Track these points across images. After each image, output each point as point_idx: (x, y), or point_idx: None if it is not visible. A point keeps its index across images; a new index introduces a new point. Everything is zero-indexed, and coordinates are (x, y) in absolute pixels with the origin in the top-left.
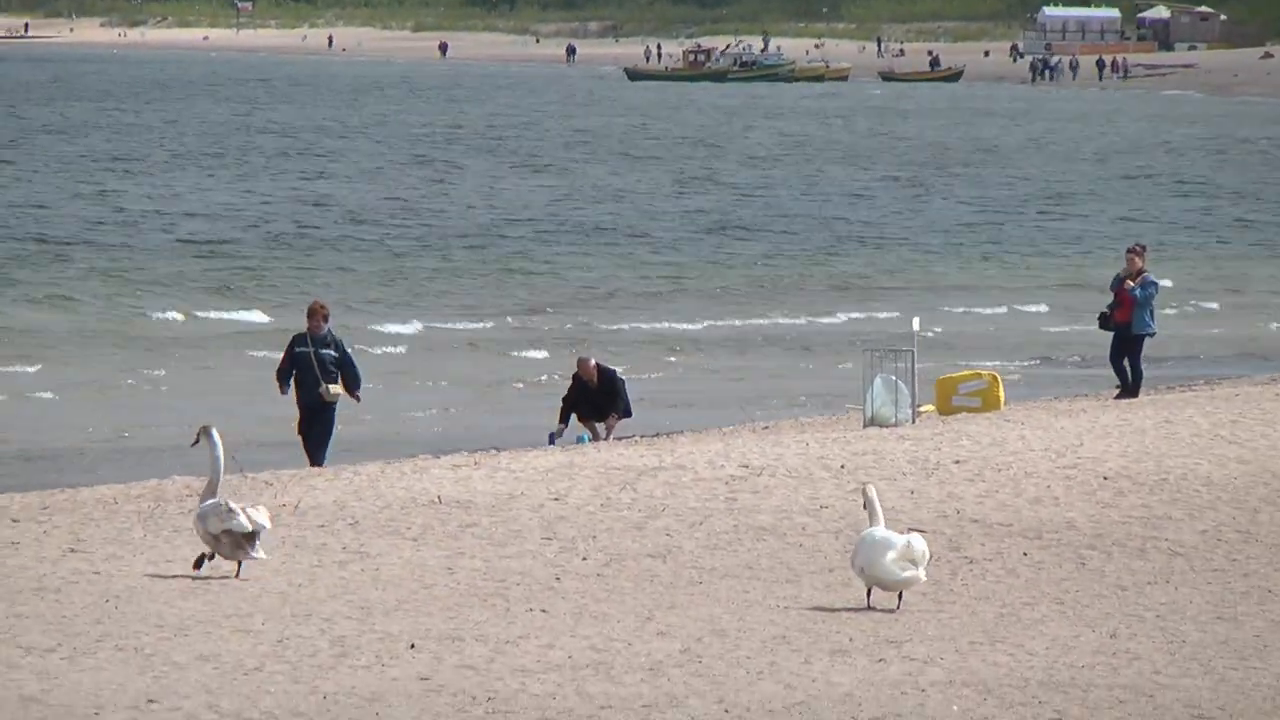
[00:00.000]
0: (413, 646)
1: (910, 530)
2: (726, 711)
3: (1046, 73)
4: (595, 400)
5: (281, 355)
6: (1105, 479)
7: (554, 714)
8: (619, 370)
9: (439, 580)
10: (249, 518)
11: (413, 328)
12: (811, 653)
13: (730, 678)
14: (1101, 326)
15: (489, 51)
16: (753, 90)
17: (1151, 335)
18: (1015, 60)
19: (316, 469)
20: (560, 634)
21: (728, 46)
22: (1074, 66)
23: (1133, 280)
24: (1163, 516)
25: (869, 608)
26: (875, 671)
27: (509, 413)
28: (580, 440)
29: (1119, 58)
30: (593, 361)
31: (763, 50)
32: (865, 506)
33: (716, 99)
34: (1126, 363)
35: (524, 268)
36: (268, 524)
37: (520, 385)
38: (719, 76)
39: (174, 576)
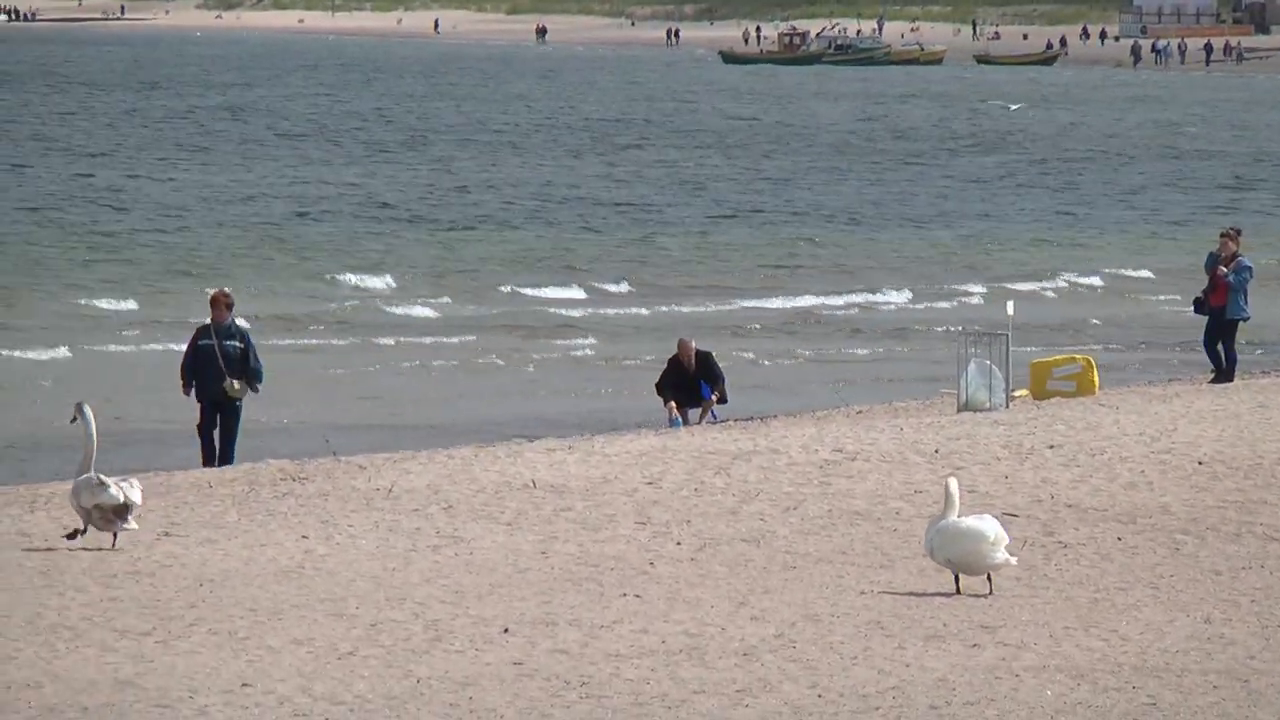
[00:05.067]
0: (506, 631)
1: (983, 513)
2: (820, 696)
3: (1155, 56)
4: (690, 384)
5: (185, 348)
6: (1200, 464)
7: (647, 699)
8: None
9: (533, 565)
10: (120, 491)
11: (504, 309)
12: (905, 638)
13: (823, 663)
14: (1196, 311)
15: (586, 35)
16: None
17: (1246, 320)
18: (1105, 43)
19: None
20: (653, 619)
21: (823, 30)
22: (1182, 50)
23: (1226, 265)
24: (1258, 501)
25: (959, 593)
26: (969, 657)
27: (602, 396)
28: (674, 425)
29: (1228, 41)
30: (693, 343)
31: (868, 33)
32: (946, 499)
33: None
34: (1221, 347)
35: (614, 251)
36: (139, 498)
37: (604, 364)
38: (813, 60)
39: (269, 560)
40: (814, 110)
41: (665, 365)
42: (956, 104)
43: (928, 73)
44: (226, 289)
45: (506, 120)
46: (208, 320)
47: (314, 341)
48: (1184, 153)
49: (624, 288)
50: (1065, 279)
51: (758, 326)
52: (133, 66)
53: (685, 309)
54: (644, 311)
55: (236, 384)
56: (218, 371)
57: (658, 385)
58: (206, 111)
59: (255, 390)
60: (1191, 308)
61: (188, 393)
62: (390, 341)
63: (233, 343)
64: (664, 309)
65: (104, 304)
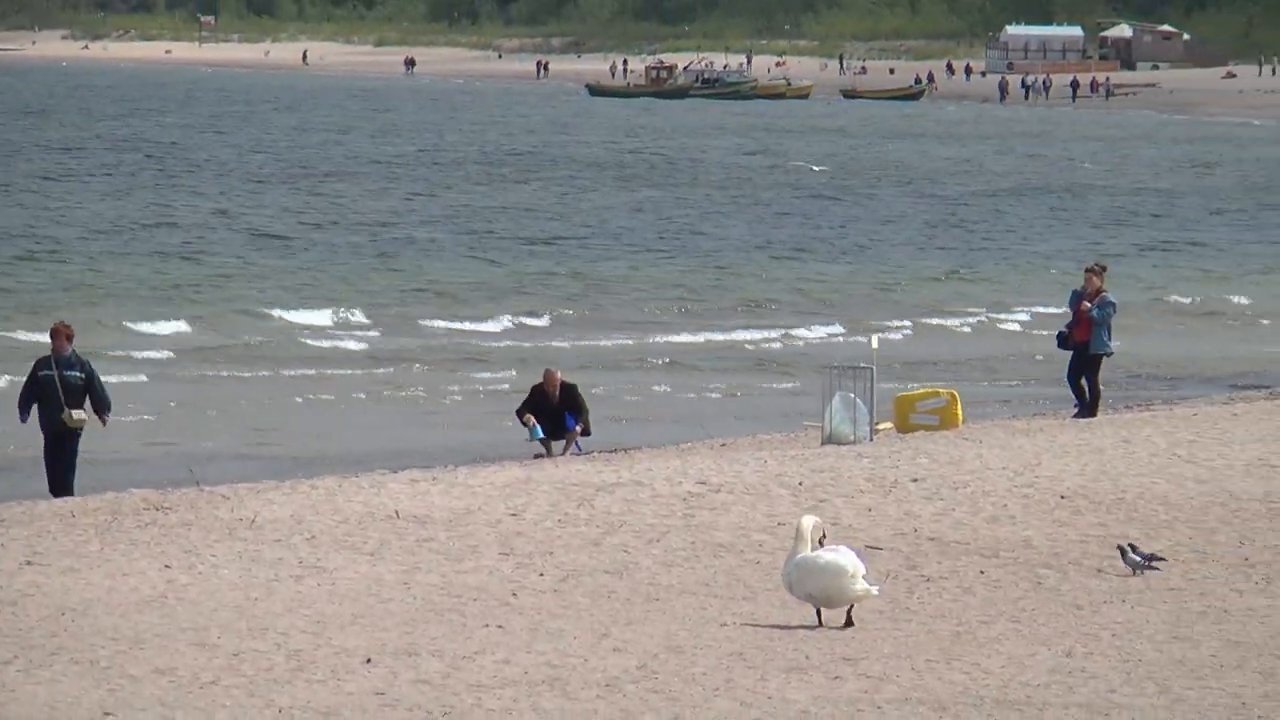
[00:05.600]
0: (368, 661)
1: (839, 545)
2: None
3: (1024, 91)
4: (553, 413)
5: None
6: (1063, 498)
7: None
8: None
9: (395, 595)
10: None
11: (368, 339)
12: (768, 670)
13: (686, 695)
14: (1060, 346)
15: (454, 68)
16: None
17: (1109, 355)
18: (971, 78)
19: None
20: (516, 650)
21: (690, 63)
22: (1046, 86)
23: (1090, 300)
24: (1120, 536)
25: (821, 625)
26: (831, 689)
27: (469, 427)
28: (535, 434)
29: (1095, 77)
30: (559, 373)
31: (735, 67)
32: (796, 535)
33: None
34: (1085, 382)
35: (475, 281)
36: None
37: (481, 395)
38: (681, 93)
39: (131, 590)
40: (688, 145)
41: (528, 393)
42: (833, 139)
43: (799, 107)
44: (66, 321)
45: (391, 152)
46: (50, 351)
47: (217, 373)
48: (1064, 187)
49: (545, 320)
50: (941, 314)
51: (622, 357)
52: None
53: (606, 342)
54: (509, 340)
55: (75, 414)
56: (58, 403)
57: (518, 411)
58: (83, 142)
59: (103, 422)
60: (1056, 342)
61: (24, 420)
62: (293, 373)
63: (73, 373)
64: (527, 342)
65: (21, 335)
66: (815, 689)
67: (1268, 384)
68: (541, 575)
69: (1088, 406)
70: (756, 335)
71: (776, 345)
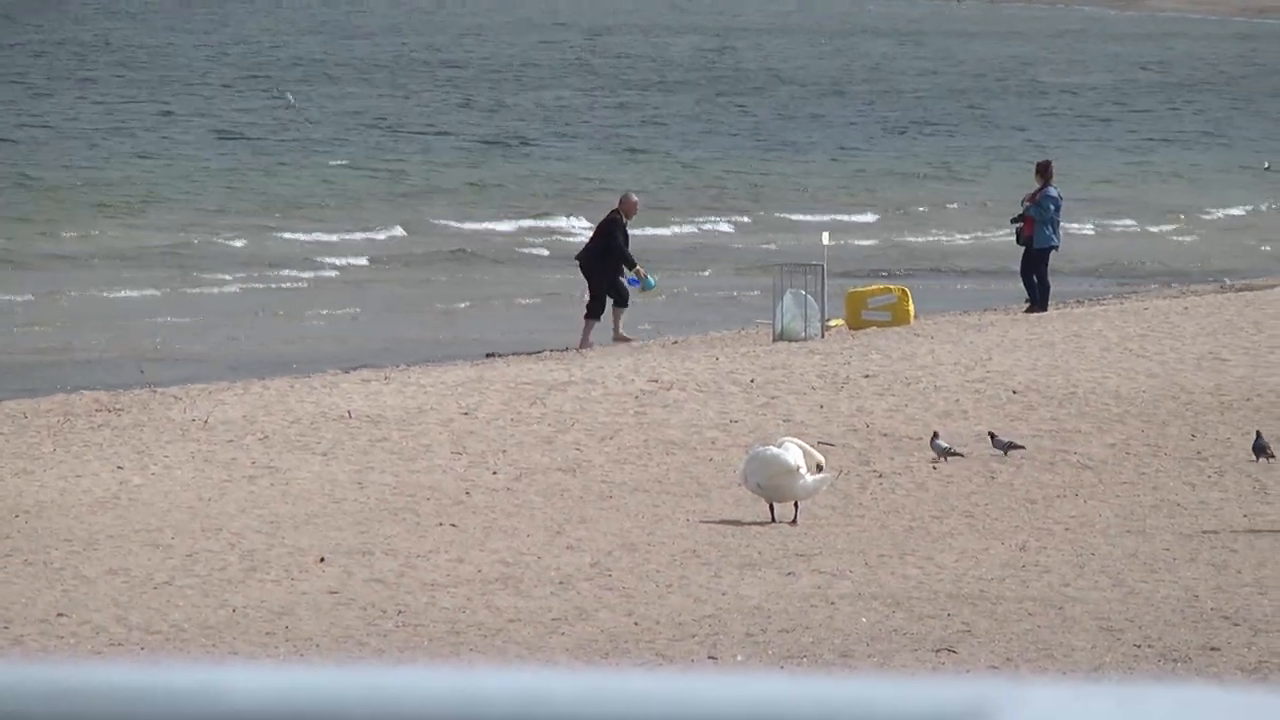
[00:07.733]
0: (322, 560)
1: (786, 440)
2: (636, 624)
3: None
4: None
5: None
6: (1014, 393)
7: (463, 627)
8: None
9: (348, 495)
10: None
11: (327, 239)
12: (721, 566)
13: (640, 591)
14: (1018, 241)
15: None
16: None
17: (1053, 248)
18: None
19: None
20: (470, 548)
21: None
22: None
23: (1032, 197)
24: (1071, 430)
25: (774, 521)
26: (784, 584)
27: (422, 327)
28: (632, 283)
29: None
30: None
31: None
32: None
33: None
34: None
35: (431, 183)
36: None
37: (440, 306)
38: None
39: (84, 491)
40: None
41: (613, 228)
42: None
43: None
44: None
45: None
46: None
47: (118, 280)
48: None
49: (439, 223)
50: (893, 210)
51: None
52: None
53: (500, 235)
54: (459, 244)
55: None
56: None
57: (621, 241)
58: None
59: None
60: (1014, 238)
61: None
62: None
63: None
64: (467, 247)
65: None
66: (768, 585)
67: (1217, 278)
68: (495, 474)
69: (1038, 301)
70: (707, 230)
71: (726, 241)
